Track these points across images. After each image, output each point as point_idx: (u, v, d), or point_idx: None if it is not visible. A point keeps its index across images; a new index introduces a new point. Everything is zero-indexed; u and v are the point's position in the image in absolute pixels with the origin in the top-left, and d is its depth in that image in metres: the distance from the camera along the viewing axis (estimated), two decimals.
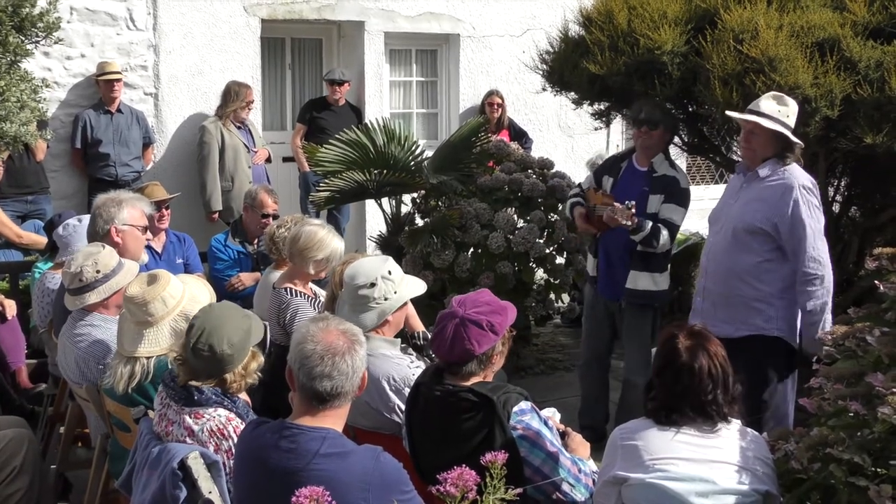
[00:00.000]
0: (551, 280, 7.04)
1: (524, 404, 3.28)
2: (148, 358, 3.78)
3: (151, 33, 8.43)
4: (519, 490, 2.13)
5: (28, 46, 5.91)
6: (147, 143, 8.36)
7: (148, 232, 5.22)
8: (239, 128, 8.35)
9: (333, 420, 2.84)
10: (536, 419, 3.28)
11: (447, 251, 6.66)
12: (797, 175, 4.55)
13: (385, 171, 6.82)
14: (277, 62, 9.53)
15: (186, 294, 3.91)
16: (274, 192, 6.55)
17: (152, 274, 3.92)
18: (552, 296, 7.14)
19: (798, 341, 4.65)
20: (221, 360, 3.29)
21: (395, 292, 3.91)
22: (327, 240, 4.81)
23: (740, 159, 5.02)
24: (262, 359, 3.47)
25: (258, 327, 3.48)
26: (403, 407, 3.65)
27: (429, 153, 7.36)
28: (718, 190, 11.06)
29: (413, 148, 6.99)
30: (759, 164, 4.64)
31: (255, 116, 8.79)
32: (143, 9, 8.38)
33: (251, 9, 8.80)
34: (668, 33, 5.51)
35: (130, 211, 4.96)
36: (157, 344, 3.78)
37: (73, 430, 4.89)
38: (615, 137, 10.60)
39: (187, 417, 3.29)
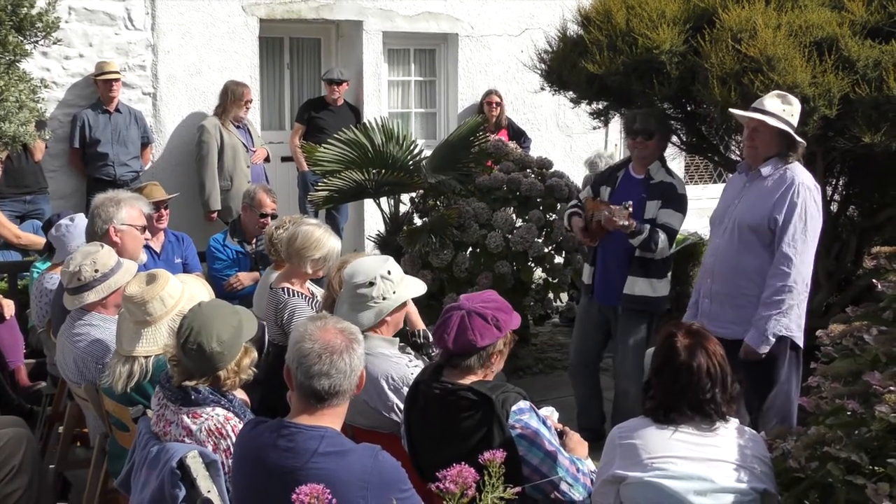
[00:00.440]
0: (550, 279, 7.04)
1: (523, 403, 3.28)
2: (146, 357, 3.78)
3: (150, 33, 8.43)
4: (518, 489, 2.13)
5: (27, 46, 5.91)
6: (145, 142, 8.36)
7: (146, 231, 5.22)
8: (238, 127, 8.35)
9: (332, 419, 2.84)
10: (535, 418, 3.29)
11: (446, 251, 6.66)
12: (799, 174, 4.56)
13: (383, 171, 6.82)
14: (276, 62, 9.53)
15: (185, 294, 3.91)
16: (272, 191, 6.55)
17: (151, 273, 3.92)
18: (550, 295, 7.14)
19: (800, 341, 4.65)
20: (211, 357, 3.29)
21: (394, 292, 3.91)
22: (324, 239, 4.82)
23: (740, 159, 5.02)
24: (255, 354, 3.46)
25: (250, 323, 3.48)
26: (402, 406, 3.65)
27: (427, 153, 7.36)
28: (717, 189, 11.10)
29: (411, 147, 6.99)
30: (762, 163, 4.64)
31: (253, 116, 8.79)
32: (142, 8, 8.38)
33: (249, 8, 8.80)
34: (666, 33, 5.51)
35: (129, 210, 4.96)
36: (156, 343, 3.78)
37: (71, 430, 4.88)
38: (613, 137, 10.60)
39: (185, 417, 3.29)
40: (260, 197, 6.37)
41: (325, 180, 6.93)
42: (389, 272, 3.91)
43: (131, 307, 3.81)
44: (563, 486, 3.25)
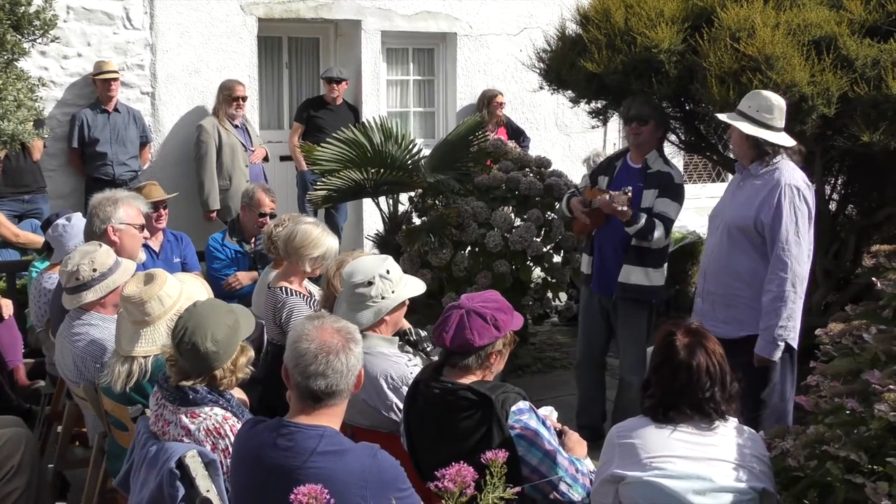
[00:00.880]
0: (549, 278, 7.04)
1: (522, 403, 3.28)
2: (145, 357, 3.78)
3: (148, 32, 8.42)
4: (517, 489, 2.14)
5: (25, 45, 5.90)
6: (144, 142, 8.35)
7: (145, 231, 5.22)
8: (236, 127, 8.34)
9: (330, 418, 2.84)
10: (534, 419, 3.29)
11: (444, 250, 6.66)
12: (786, 174, 4.54)
13: (382, 170, 6.82)
14: (274, 61, 9.53)
15: (184, 293, 3.91)
16: (271, 191, 6.55)
17: (149, 273, 3.92)
18: (549, 294, 7.14)
19: (795, 342, 4.65)
20: (206, 357, 3.29)
21: (393, 291, 3.91)
22: (322, 238, 4.84)
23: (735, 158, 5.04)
24: (251, 353, 3.45)
25: (247, 322, 3.48)
26: (401, 405, 3.65)
27: (426, 152, 7.36)
28: (715, 188, 11.12)
29: (410, 147, 6.99)
30: (749, 162, 4.66)
31: (252, 115, 8.79)
32: (140, 8, 8.37)
33: (248, 8, 8.79)
34: (664, 32, 5.51)
35: (127, 210, 4.96)
36: (155, 343, 3.77)
37: (70, 429, 4.88)
38: (612, 136, 10.60)
39: (183, 417, 3.29)
40: (259, 196, 6.37)
41: (323, 179, 6.93)
42: (388, 271, 3.91)
43: (130, 307, 3.80)
44: (563, 486, 3.25)
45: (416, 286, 4.05)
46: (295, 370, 2.82)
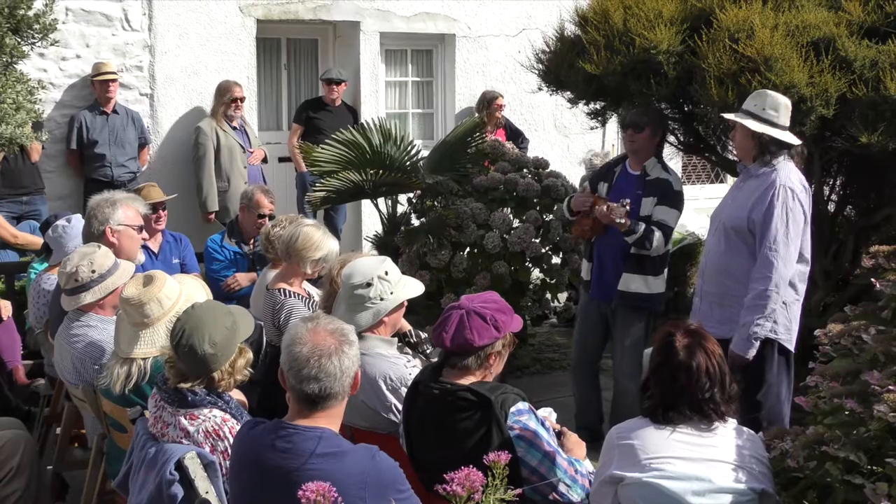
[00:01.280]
0: (547, 280, 7.04)
1: (521, 404, 3.28)
2: (144, 359, 3.78)
3: (147, 34, 8.42)
4: (518, 490, 2.14)
5: (24, 48, 5.91)
6: (143, 143, 8.34)
7: (144, 232, 5.22)
8: (235, 128, 8.34)
9: (328, 420, 2.83)
10: (534, 420, 3.29)
11: (443, 251, 6.66)
12: (783, 175, 4.54)
13: (381, 171, 6.82)
14: (273, 62, 9.52)
15: (183, 295, 3.91)
16: (270, 192, 6.55)
17: (148, 275, 3.91)
18: (548, 295, 7.14)
19: (791, 344, 4.66)
20: (204, 359, 3.28)
21: (392, 293, 3.91)
22: (324, 240, 4.85)
23: (737, 159, 5.03)
24: (250, 355, 3.45)
25: (246, 324, 3.47)
26: (400, 406, 3.65)
27: (425, 153, 7.36)
28: (714, 189, 11.14)
29: (409, 148, 6.99)
30: (751, 163, 4.66)
31: (250, 117, 8.78)
32: (139, 9, 8.37)
33: (246, 9, 8.79)
34: (663, 33, 5.51)
35: (125, 211, 4.96)
36: (154, 345, 3.77)
37: (69, 431, 4.88)
38: (611, 137, 10.60)
39: (182, 419, 3.29)
40: (258, 198, 6.37)
41: (322, 181, 6.93)
42: (387, 273, 3.91)
43: (129, 309, 3.80)
44: (562, 487, 3.25)
45: (414, 287, 4.05)
46: (289, 374, 2.82)
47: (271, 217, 6.22)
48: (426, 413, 3.38)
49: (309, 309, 4.77)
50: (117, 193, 5.19)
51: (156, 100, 8.52)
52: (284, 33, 9.47)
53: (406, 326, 4.31)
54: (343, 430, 2.95)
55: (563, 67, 6.34)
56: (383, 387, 3.75)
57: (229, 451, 3.21)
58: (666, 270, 5.64)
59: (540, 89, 6.92)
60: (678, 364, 3.07)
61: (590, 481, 3.33)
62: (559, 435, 3.59)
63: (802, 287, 4.68)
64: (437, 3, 9.71)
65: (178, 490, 3.12)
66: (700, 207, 9.94)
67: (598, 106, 6.65)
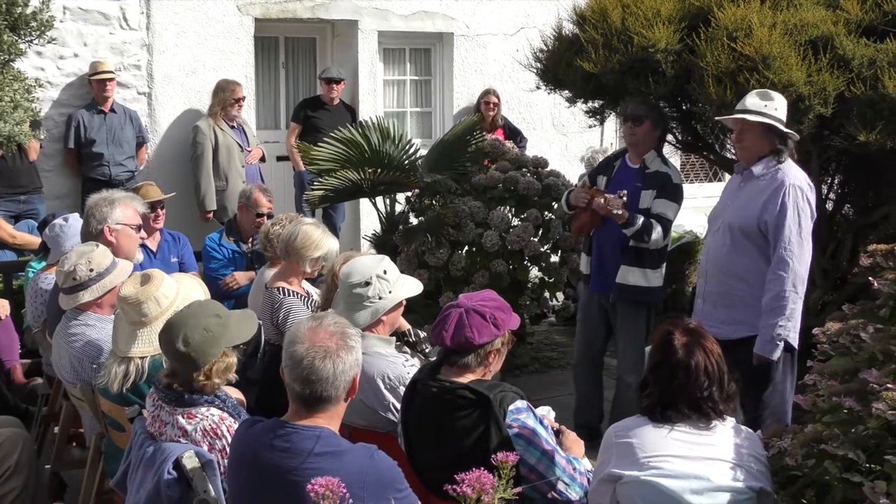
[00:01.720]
0: (546, 278, 7.04)
1: (520, 403, 3.28)
2: (142, 358, 3.77)
3: (145, 32, 8.41)
4: (519, 489, 2.14)
5: (21, 46, 5.90)
6: (141, 142, 8.34)
7: (142, 231, 5.22)
8: (233, 127, 8.34)
9: (327, 420, 2.83)
10: (532, 418, 3.29)
11: (442, 250, 6.66)
12: (789, 174, 4.55)
13: (379, 170, 6.82)
14: (271, 61, 9.52)
15: (181, 294, 3.90)
16: (268, 191, 6.56)
17: (146, 274, 3.91)
18: (547, 294, 7.15)
19: (795, 342, 4.65)
20: (178, 357, 3.28)
21: (390, 292, 3.91)
22: (324, 239, 4.85)
23: (736, 159, 5.03)
24: (232, 360, 3.37)
25: (241, 329, 3.43)
26: (398, 405, 3.65)
27: (423, 152, 7.36)
28: (712, 188, 11.13)
29: (407, 147, 6.99)
30: (754, 163, 4.65)
31: (248, 115, 8.78)
32: (137, 8, 8.36)
33: (245, 8, 8.79)
34: (661, 31, 5.51)
35: (123, 210, 4.96)
36: (151, 344, 3.76)
37: (67, 430, 4.88)
38: (609, 135, 10.60)
39: (180, 418, 3.29)
40: (256, 196, 6.37)
41: (321, 179, 6.93)
42: (385, 272, 3.91)
43: (126, 308, 3.80)
44: (560, 486, 3.26)
45: (413, 286, 4.05)
46: (286, 372, 2.83)
47: (269, 216, 6.22)
48: (424, 411, 3.37)
49: (307, 308, 4.76)
50: (115, 192, 5.19)
51: (154, 99, 8.51)
52: (282, 32, 9.46)
53: (405, 325, 4.31)
54: (341, 429, 2.95)
55: (561, 66, 6.35)
56: (381, 386, 3.75)
57: (227, 449, 3.21)
58: (664, 265, 5.64)
59: (538, 88, 6.93)
60: (677, 362, 3.07)
61: (588, 480, 3.33)
62: (558, 433, 3.59)
63: (803, 287, 4.66)
64: (436, 1, 9.71)
65: (176, 489, 3.11)
66: (698, 206, 9.92)
67: (596, 104, 6.65)
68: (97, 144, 7.97)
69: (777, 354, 4.53)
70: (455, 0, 9.79)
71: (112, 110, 8.07)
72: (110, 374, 3.74)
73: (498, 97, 9.65)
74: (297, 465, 2.72)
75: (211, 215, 8.28)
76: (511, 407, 3.24)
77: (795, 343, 4.61)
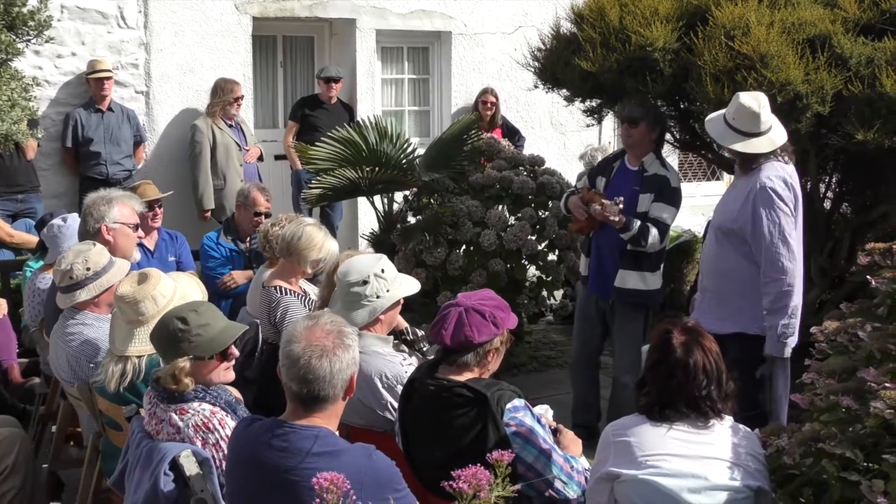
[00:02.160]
0: (543, 277, 7.04)
1: (518, 401, 3.28)
2: (139, 357, 3.77)
3: (142, 31, 8.41)
4: (516, 487, 2.14)
5: (19, 45, 5.90)
6: (138, 141, 8.33)
7: (140, 230, 5.21)
8: (231, 126, 8.33)
9: (325, 419, 2.83)
10: (530, 416, 3.29)
11: (439, 249, 6.66)
12: (765, 175, 4.52)
13: (377, 169, 6.81)
14: (269, 60, 9.51)
15: (178, 292, 3.90)
16: (266, 190, 6.55)
17: (143, 273, 3.91)
18: (544, 293, 7.14)
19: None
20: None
21: (388, 290, 3.90)
22: (326, 241, 4.87)
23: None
24: (184, 365, 3.31)
25: (209, 338, 3.34)
26: (396, 404, 3.65)
27: (421, 151, 7.35)
28: (710, 186, 11.14)
29: (405, 146, 6.99)
30: (741, 164, 4.70)
31: (246, 114, 8.77)
32: (134, 7, 8.35)
33: (242, 6, 8.78)
34: (659, 30, 5.51)
35: (121, 209, 4.96)
36: (148, 343, 3.75)
37: (65, 429, 4.88)
38: (607, 134, 10.60)
39: (173, 415, 3.29)
40: (254, 195, 6.37)
41: (318, 178, 6.92)
42: (383, 270, 3.91)
43: (123, 307, 3.80)
44: (558, 485, 3.26)
45: (410, 285, 4.05)
46: (283, 373, 2.82)
47: (268, 215, 6.22)
48: (422, 410, 3.37)
49: (305, 306, 4.76)
50: (113, 191, 5.19)
51: (151, 97, 8.50)
52: (280, 31, 9.46)
53: (403, 324, 4.31)
54: (339, 428, 2.94)
55: (559, 65, 6.35)
56: (379, 385, 3.75)
57: (221, 442, 3.22)
58: (662, 267, 5.64)
59: (536, 87, 6.93)
60: (675, 361, 3.07)
61: (586, 478, 3.33)
62: (555, 432, 3.59)
63: (798, 285, 4.66)
64: (434, 0, 9.70)
65: (173, 489, 3.11)
66: (696, 205, 9.94)
67: (594, 103, 6.65)
68: (95, 143, 7.97)
69: (787, 352, 4.55)
70: None
71: (110, 109, 8.07)
72: (107, 373, 3.74)
73: (496, 96, 9.65)
74: (295, 464, 2.72)
75: (209, 214, 8.27)
76: (509, 405, 3.24)
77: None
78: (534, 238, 6.76)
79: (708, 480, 2.95)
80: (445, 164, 7.06)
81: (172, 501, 3.14)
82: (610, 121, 8.99)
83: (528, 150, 8.42)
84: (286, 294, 4.78)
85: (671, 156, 8.05)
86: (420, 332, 4.35)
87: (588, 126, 7.51)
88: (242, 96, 8.42)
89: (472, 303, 3.37)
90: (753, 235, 4.51)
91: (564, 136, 10.54)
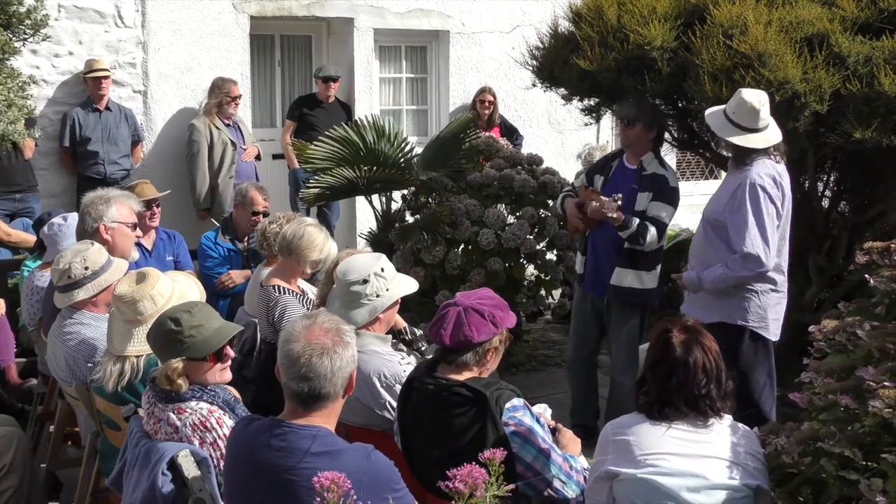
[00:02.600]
0: (542, 276, 7.04)
1: (517, 401, 3.28)
2: (137, 356, 3.76)
3: (140, 30, 8.40)
4: (512, 486, 2.13)
5: (15, 44, 5.89)
6: (136, 140, 8.33)
7: (137, 229, 5.20)
8: (228, 125, 8.33)
9: (323, 419, 2.82)
10: (528, 416, 3.29)
11: (438, 248, 6.65)
12: (755, 171, 4.61)
13: (375, 168, 6.80)
14: (267, 59, 9.51)
15: (176, 292, 3.89)
16: (264, 189, 6.54)
17: (141, 272, 3.90)
18: (543, 292, 7.14)
19: (769, 333, 4.80)
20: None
21: (388, 290, 3.90)
22: (327, 242, 4.88)
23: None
24: (178, 366, 3.30)
25: (203, 339, 3.33)
26: (394, 404, 3.65)
27: (419, 150, 7.35)
28: (708, 185, 11.12)
29: (403, 145, 6.98)
30: (733, 160, 4.80)
31: (244, 114, 8.77)
32: (132, 6, 8.35)
33: (240, 6, 8.77)
34: (657, 29, 5.51)
35: (119, 208, 4.95)
36: (146, 342, 3.75)
37: (62, 429, 4.87)
38: (605, 133, 10.60)
39: (171, 414, 3.29)
40: (252, 195, 6.36)
41: (316, 178, 6.92)
42: (383, 269, 3.91)
43: (122, 306, 3.79)
44: (556, 484, 3.25)
45: (409, 284, 4.05)
46: (283, 372, 2.81)
47: (265, 214, 6.21)
48: (421, 409, 3.37)
49: (304, 306, 4.76)
50: (111, 191, 5.18)
51: (149, 97, 8.50)
52: (278, 30, 9.45)
53: (401, 324, 4.31)
54: (338, 428, 2.94)
55: (556, 64, 6.34)
56: (377, 384, 3.75)
57: (219, 441, 3.22)
58: (659, 266, 5.64)
59: (534, 86, 6.92)
60: (675, 360, 3.07)
61: (585, 478, 3.33)
62: (554, 431, 3.58)
63: (781, 279, 4.78)
64: None
65: (172, 489, 3.11)
66: (694, 204, 9.88)
67: (592, 102, 6.64)
68: (92, 143, 7.96)
69: (692, 289, 4.85)
70: None
71: (107, 108, 8.07)
72: (105, 373, 3.73)
73: (494, 95, 9.65)
74: (294, 464, 2.71)
75: (206, 213, 8.27)
76: (507, 405, 3.24)
77: (764, 332, 4.76)
78: (533, 237, 6.75)
79: (707, 479, 2.95)
80: (443, 163, 7.05)
81: (170, 501, 3.13)
82: (608, 120, 8.99)
83: (525, 149, 8.42)
84: (285, 293, 4.78)
85: (669, 154, 8.06)
86: (419, 332, 4.35)
87: (586, 125, 7.51)
88: (240, 95, 8.42)
89: (471, 302, 3.36)
90: (733, 224, 4.61)
91: (562, 135, 10.54)
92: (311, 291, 4.92)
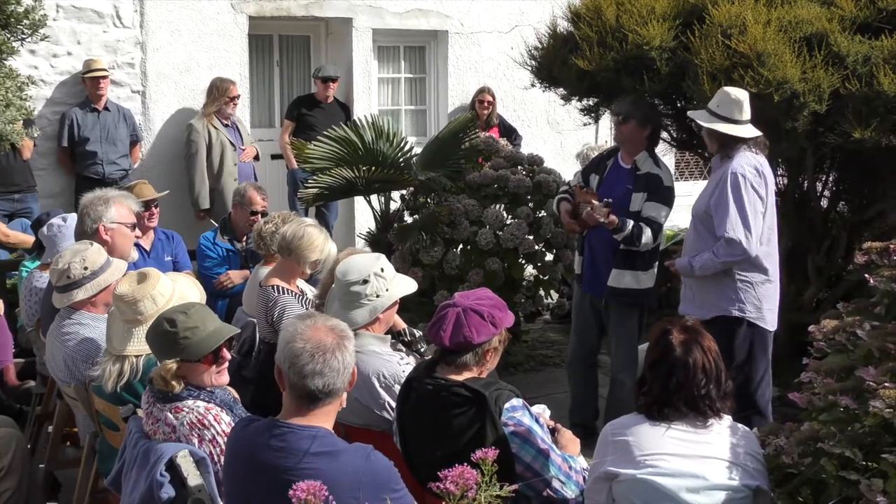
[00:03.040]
0: (540, 276, 7.03)
1: (516, 401, 3.28)
2: (137, 357, 3.76)
3: (138, 30, 8.39)
4: (513, 486, 2.13)
5: (14, 44, 5.87)
6: (134, 140, 8.32)
7: (136, 229, 5.20)
8: (227, 125, 8.32)
9: (323, 418, 2.82)
10: (528, 416, 3.29)
11: (436, 248, 6.65)
12: (735, 162, 4.75)
13: (374, 168, 6.80)
14: (265, 59, 9.50)
15: (176, 292, 3.89)
16: (263, 189, 6.54)
17: (142, 272, 3.90)
18: (541, 292, 7.13)
19: (766, 322, 4.87)
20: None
21: (387, 290, 3.90)
22: (326, 243, 4.89)
23: None
24: (171, 367, 3.31)
25: (192, 342, 3.33)
26: (393, 404, 3.65)
27: (417, 150, 7.34)
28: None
29: (402, 145, 6.98)
30: (716, 155, 4.94)
31: (243, 114, 8.76)
32: (130, 6, 8.34)
33: (238, 6, 8.77)
34: (656, 29, 5.51)
35: (118, 209, 4.94)
36: (146, 342, 3.75)
37: (61, 429, 4.86)
38: (604, 133, 10.60)
39: (169, 414, 3.29)
40: (250, 195, 6.35)
41: (315, 178, 6.91)
42: (382, 269, 3.91)
43: (122, 306, 3.79)
44: (556, 484, 3.25)
45: (408, 285, 4.05)
46: (291, 371, 2.79)
47: (264, 214, 6.21)
48: (420, 409, 3.37)
49: (302, 306, 4.76)
50: (110, 191, 5.17)
51: (147, 97, 8.49)
52: (276, 30, 9.45)
53: (400, 324, 4.31)
54: (337, 428, 2.94)
55: (555, 64, 6.34)
56: (377, 384, 3.75)
57: (217, 438, 3.22)
58: (656, 265, 5.63)
59: (533, 86, 6.92)
60: (675, 360, 3.07)
61: (584, 478, 3.33)
62: (553, 432, 3.58)
63: (772, 268, 4.85)
64: None
65: (170, 489, 3.10)
66: (692, 204, 9.92)
67: (590, 102, 6.65)
68: (91, 143, 7.95)
69: (684, 272, 4.97)
70: None
71: (106, 108, 8.06)
72: (104, 373, 3.73)
73: (493, 95, 9.65)
74: (293, 464, 2.71)
75: (205, 214, 8.26)
76: (507, 405, 3.24)
77: (762, 323, 4.84)
78: (531, 237, 6.75)
79: (706, 480, 2.95)
80: (442, 163, 7.05)
81: (169, 502, 3.13)
82: (607, 120, 8.97)
83: (524, 149, 8.41)
84: (284, 293, 4.77)
85: (667, 154, 8.06)
86: (418, 333, 4.34)
87: (585, 125, 7.53)
88: (238, 96, 8.41)
89: (470, 302, 3.36)
90: (717, 213, 4.74)
91: (561, 135, 10.53)
92: (310, 291, 4.92)
